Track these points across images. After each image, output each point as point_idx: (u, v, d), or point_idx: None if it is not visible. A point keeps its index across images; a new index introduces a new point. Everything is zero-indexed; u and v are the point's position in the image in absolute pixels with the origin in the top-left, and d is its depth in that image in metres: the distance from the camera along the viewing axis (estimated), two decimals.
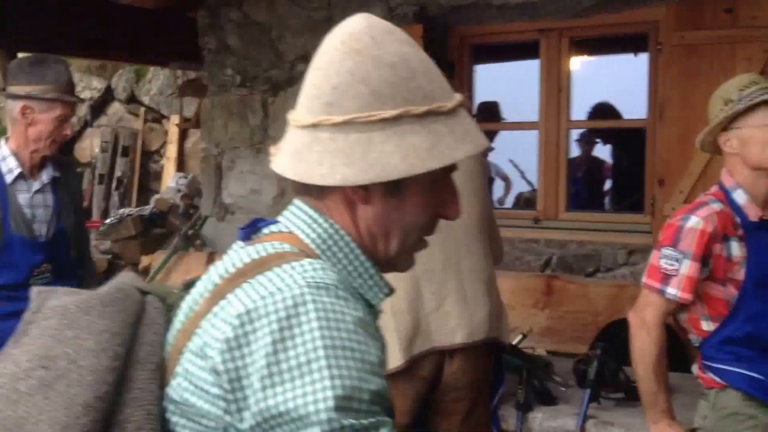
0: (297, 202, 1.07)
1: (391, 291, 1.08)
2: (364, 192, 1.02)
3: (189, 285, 1.09)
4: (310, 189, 1.04)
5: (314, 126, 1.01)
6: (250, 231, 1.08)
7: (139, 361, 1.00)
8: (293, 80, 4.45)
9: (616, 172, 5.56)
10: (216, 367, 0.93)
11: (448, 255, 2.28)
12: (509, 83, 5.44)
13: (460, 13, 4.13)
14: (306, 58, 4.61)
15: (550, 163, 4.15)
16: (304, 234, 1.04)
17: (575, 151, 5.34)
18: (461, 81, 4.25)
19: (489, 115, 5.36)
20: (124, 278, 1.07)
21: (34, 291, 1.07)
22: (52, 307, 1.02)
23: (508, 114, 5.28)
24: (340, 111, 1.00)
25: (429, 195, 1.05)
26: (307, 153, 1.02)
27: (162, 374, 0.99)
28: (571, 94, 4.17)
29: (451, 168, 1.05)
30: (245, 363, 0.92)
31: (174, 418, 0.98)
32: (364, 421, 0.90)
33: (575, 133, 5.20)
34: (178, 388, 0.97)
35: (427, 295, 2.26)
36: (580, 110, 4.72)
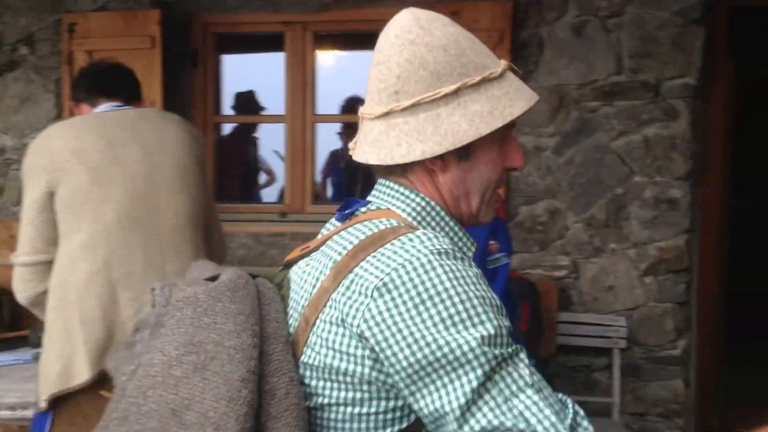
0: (384, 182, 1.22)
1: (474, 245, 1.24)
2: (441, 162, 1.17)
3: (288, 265, 1.26)
4: (393, 170, 1.19)
5: (386, 114, 1.16)
6: (346, 211, 1.22)
7: (270, 336, 1.13)
8: (14, 65, 4.08)
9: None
10: (363, 334, 1.06)
11: (151, 256, 2.12)
12: (260, 75, 5.36)
13: (201, 1, 3.99)
14: (29, 40, 4.35)
15: (297, 157, 4.14)
16: (400, 209, 1.19)
17: (336, 143, 5.40)
18: (205, 70, 4.12)
19: (245, 105, 5.26)
20: (232, 270, 1.20)
21: (158, 286, 1.19)
22: (181, 298, 1.15)
23: (265, 105, 5.21)
24: (407, 96, 1.15)
25: (496, 152, 1.20)
26: (385, 139, 1.17)
27: (293, 346, 1.14)
28: (317, 88, 4.17)
29: (511, 125, 1.18)
30: (391, 327, 1.04)
31: (313, 383, 1.12)
32: (510, 349, 1.04)
33: (338, 127, 5.23)
34: (315, 355, 1.11)
35: (124, 300, 2.08)
36: (331, 104, 4.73)
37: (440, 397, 1.04)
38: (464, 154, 1.18)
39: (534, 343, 3.35)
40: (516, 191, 3.77)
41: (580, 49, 3.66)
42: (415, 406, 1.07)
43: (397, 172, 1.21)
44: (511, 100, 1.17)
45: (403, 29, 1.17)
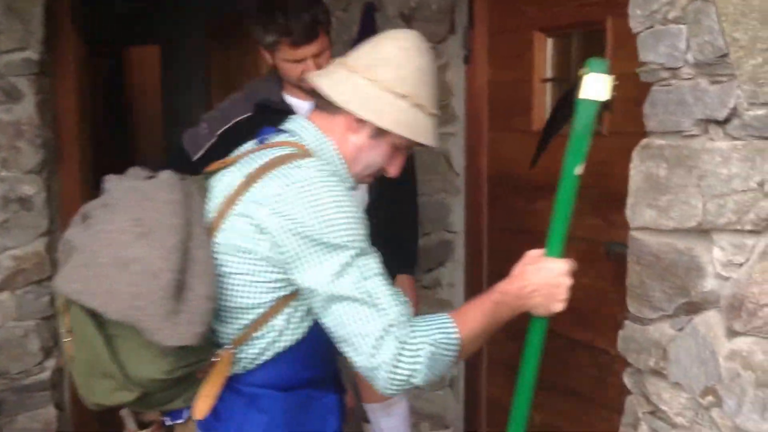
0: (299, 118, 1.72)
1: (354, 187, 1.71)
2: (359, 125, 1.65)
3: (209, 174, 1.72)
4: (325, 107, 1.67)
5: (354, 71, 1.65)
6: (264, 137, 1.72)
7: (194, 221, 1.58)
8: None
9: None
10: (261, 224, 1.54)
11: None
12: None
13: None
14: None
15: None
16: (308, 143, 1.67)
17: None
18: None
19: None
20: (167, 172, 1.65)
21: (110, 177, 1.69)
22: (128, 186, 1.63)
23: None
24: (374, 74, 1.64)
25: (391, 152, 1.70)
26: (341, 83, 1.65)
27: (210, 230, 1.60)
28: None
29: (409, 146, 1.71)
30: (287, 224, 1.52)
31: (223, 257, 1.59)
32: (367, 246, 1.55)
33: None
34: (226, 237, 1.59)
35: None
36: None
37: (317, 272, 1.52)
38: (377, 135, 1.66)
39: None
40: None
41: None
42: (298, 278, 1.54)
43: (330, 110, 1.67)
44: (425, 133, 1.68)
45: (407, 38, 1.69)
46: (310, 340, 1.65)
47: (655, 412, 1.91)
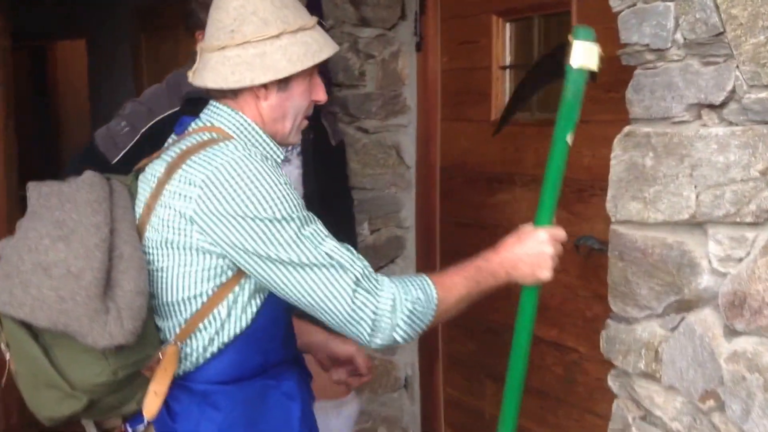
0: (215, 103, 1.65)
1: (283, 158, 1.69)
2: (265, 90, 1.60)
3: (138, 171, 1.69)
4: (225, 93, 1.62)
5: (223, 48, 1.58)
6: (183, 126, 1.68)
7: (119, 217, 1.56)
8: None
9: None
10: (188, 213, 1.52)
11: None
12: None
13: None
14: None
15: None
16: (224, 125, 1.62)
17: None
18: None
19: None
20: (89, 172, 1.62)
21: (30, 184, 1.61)
22: (48, 192, 1.57)
23: None
24: (241, 36, 1.57)
25: (306, 86, 1.65)
26: (221, 68, 1.58)
27: (138, 225, 1.59)
28: None
29: (317, 66, 1.64)
30: (219, 204, 1.50)
31: (153, 251, 1.57)
32: (308, 214, 1.54)
33: None
34: (155, 232, 1.57)
35: None
36: None
37: (267, 249, 1.50)
38: (283, 85, 1.61)
39: None
40: None
41: None
42: (245, 260, 1.52)
43: (229, 95, 1.62)
44: (319, 47, 1.63)
45: None
46: (258, 325, 1.62)
47: (647, 417, 1.79)
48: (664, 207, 1.70)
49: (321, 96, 1.68)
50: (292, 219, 1.50)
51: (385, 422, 3.44)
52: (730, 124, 1.59)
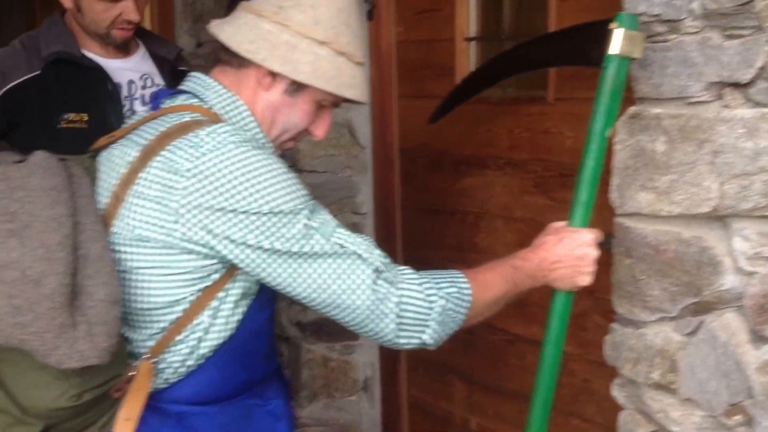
0: (201, 76, 1.46)
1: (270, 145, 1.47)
2: (272, 80, 1.41)
3: (95, 153, 1.45)
4: (232, 60, 1.42)
5: (261, 16, 1.39)
6: (158, 101, 1.46)
7: (82, 209, 1.30)
8: None
9: None
10: (171, 205, 1.30)
11: None
12: None
13: None
14: None
15: None
16: (212, 104, 1.42)
17: None
18: None
19: None
20: (41, 153, 1.34)
21: None
22: None
23: None
24: (285, 16, 1.38)
25: (313, 110, 1.45)
26: (246, 31, 1.39)
27: (105, 218, 1.34)
28: None
29: (336, 102, 1.47)
30: (206, 201, 1.29)
31: (124, 249, 1.34)
32: (314, 203, 1.37)
33: None
34: (125, 226, 1.33)
35: None
36: None
37: (272, 244, 1.31)
38: (292, 90, 1.42)
39: None
40: None
41: None
42: (245, 260, 1.33)
43: (234, 64, 1.43)
44: (351, 85, 1.42)
45: None
46: (242, 336, 1.43)
47: None
48: (680, 198, 1.51)
49: (320, 133, 1.51)
50: (299, 211, 1.33)
51: (342, 429, 3.23)
52: (757, 105, 1.41)
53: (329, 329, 3.14)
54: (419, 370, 3.03)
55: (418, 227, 2.93)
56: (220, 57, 1.47)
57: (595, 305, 2.18)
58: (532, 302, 2.37)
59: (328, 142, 3.10)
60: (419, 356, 3.01)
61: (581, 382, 2.27)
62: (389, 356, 3.11)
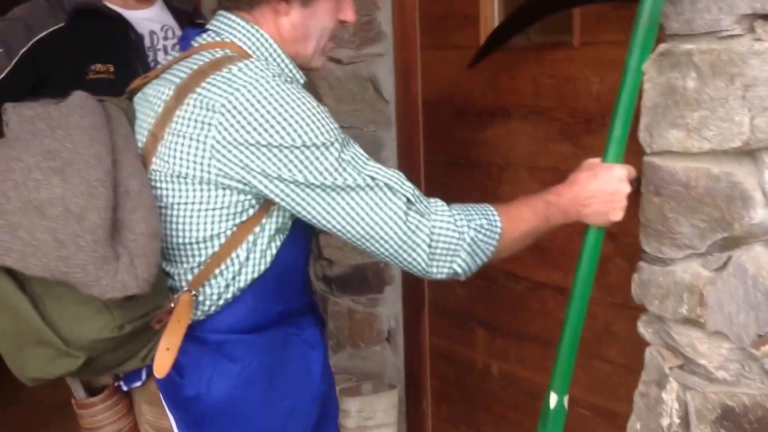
0: (226, 14, 1.48)
1: (305, 81, 1.50)
2: (286, 4, 1.46)
3: (132, 94, 1.51)
4: (240, 3, 1.47)
5: None
6: (187, 41, 1.49)
7: (121, 148, 1.35)
8: None
9: None
10: (209, 141, 1.34)
11: None
12: None
13: None
14: None
15: None
16: (240, 41, 1.46)
17: None
18: None
19: None
20: (79, 93, 1.39)
21: (8, 105, 1.37)
22: (32, 115, 1.34)
23: None
24: None
25: (333, 3, 1.50)
26: None
27: (143, 157, 1.40)
28: None
29: None
30: (241, 136, 1.33)
31: (163, 185, 1.39)
32: (345, 136, 1.40)
33: None
34: (164, 164, 1.38)
35: None
36: None
37: (305, 177, 1.34)
38: (306, 1, 1.46)
39: None
40: None
41: None
42: (278, 192, 1.36)
43: (244, 6, 1.46)
44: None
45: None
46: (278, 270, 1.49)
47: (686, 366, 1.63)
48: (711, 134, 1.51)
49: (350, 16, 1.55)
50: (332, 144, 1.37)
51: (368, 378, 3.28)
52: None
53: (354, 283, 3.18)
54: (442, 320, 3.07)
55: (444, 179, 2.94)
56: (228, 7, 1.52)
57: (617, 249, 2.20)
58: (553, 249, 2.40)
59: (352, 98, 3.11)
60: (442, 306, 3.04)
61: (603, 324, 2.29)
62: (413, 307, 3.15)
